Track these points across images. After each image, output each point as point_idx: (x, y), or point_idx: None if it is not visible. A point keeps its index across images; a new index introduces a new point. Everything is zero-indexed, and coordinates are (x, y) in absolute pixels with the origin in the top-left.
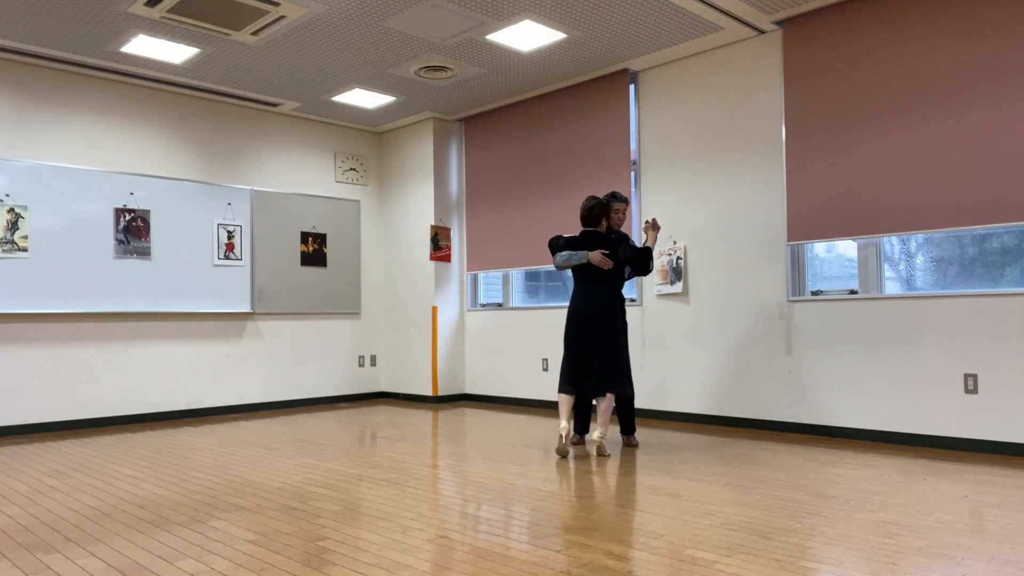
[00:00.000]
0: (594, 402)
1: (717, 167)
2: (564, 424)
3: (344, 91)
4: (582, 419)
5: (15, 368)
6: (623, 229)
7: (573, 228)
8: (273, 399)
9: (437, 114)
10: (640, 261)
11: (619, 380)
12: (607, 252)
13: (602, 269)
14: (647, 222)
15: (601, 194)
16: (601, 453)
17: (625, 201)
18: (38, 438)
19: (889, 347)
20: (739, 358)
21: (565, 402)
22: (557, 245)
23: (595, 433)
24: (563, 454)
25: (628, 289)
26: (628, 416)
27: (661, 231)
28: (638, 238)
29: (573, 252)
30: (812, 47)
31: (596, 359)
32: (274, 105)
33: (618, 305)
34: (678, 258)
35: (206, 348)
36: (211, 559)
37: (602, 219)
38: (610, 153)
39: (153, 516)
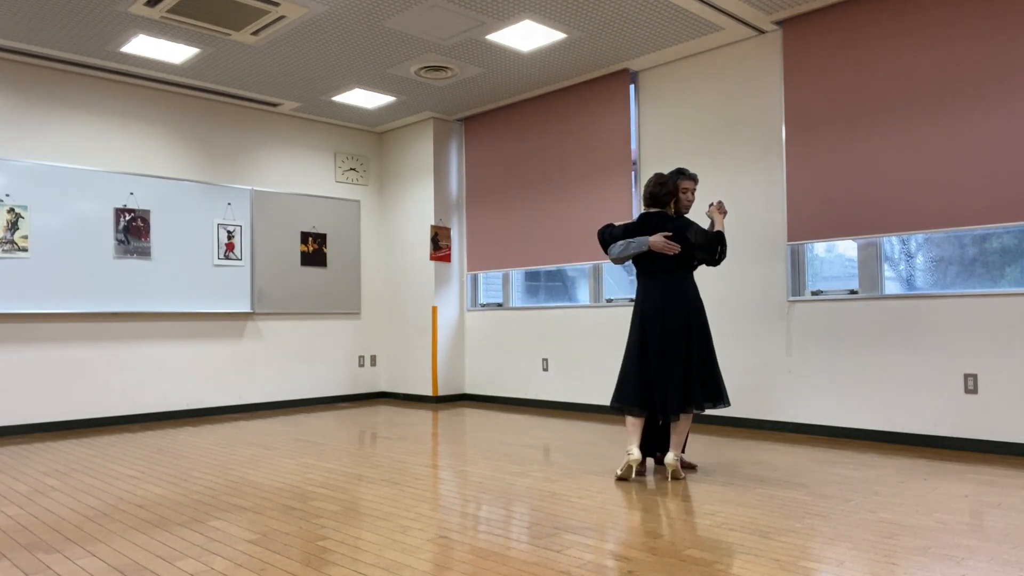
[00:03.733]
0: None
1: (717, 167)
2: (635, 453)
3: (344, 91)
4: (654, 437)
5: (15, 368)
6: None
7: (573, 228)
8: (273, 399)
9: (437, 114)
10: (711, 248)
11: (716, 390)
12: (670, 235)
13: (667, 256)
14: (712, 205)
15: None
16: (676, 477)
17: (694, 179)
18: (38, 438)
19: (889, 347)
20: (739, 358)
21: (634, 425)
22: (612, 235)
23: (669, 455)
24: (626, 478)
25: (621, 287)
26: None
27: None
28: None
29: (631, 240)
30: (812, 47)
31: (680, 367)
32: (274, 105)
33: (698, 297)
34: None
35: (206, 348)
36: (211, 559)
37: (673, 198)
38: (610, 153)
39: (153, 516)
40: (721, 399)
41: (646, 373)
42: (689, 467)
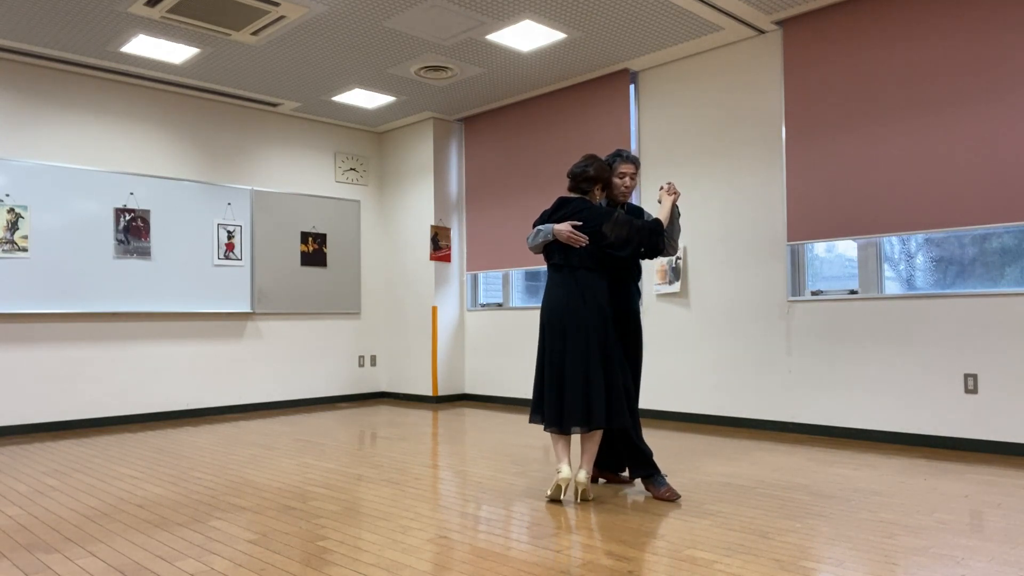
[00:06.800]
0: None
1: (717, 167)
2: (563, 470)
3: (344, 91)
4: (608, 452)
5: (15, 368)
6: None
7: None
8: (273, 399)
9: (437, 114)
10: (627, 244)
11: (604, 408)
12: (579, 224)
13: (581, 248)
14: (662, 188)
15: None
16: (585, 498)
17: (634, 162)
18: (38, 438)
19: (889, 347)
20: (739, 358)
21: (558, 439)
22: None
23: (580, 473)
24: (555, 498)
25: None
26: (633, 453)
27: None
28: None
29: (541, 227)
30: (812, 47)
31: (577, 376)
32: (274, 105)
33: (612, 298)
34: (677, 258)
35: (206, 348)
36: (211, 559)
37: (597, 184)
38: (610, 153)
39: (153, 516)
40: (595, 418)
41: (545, 377)
42: (623, 480)
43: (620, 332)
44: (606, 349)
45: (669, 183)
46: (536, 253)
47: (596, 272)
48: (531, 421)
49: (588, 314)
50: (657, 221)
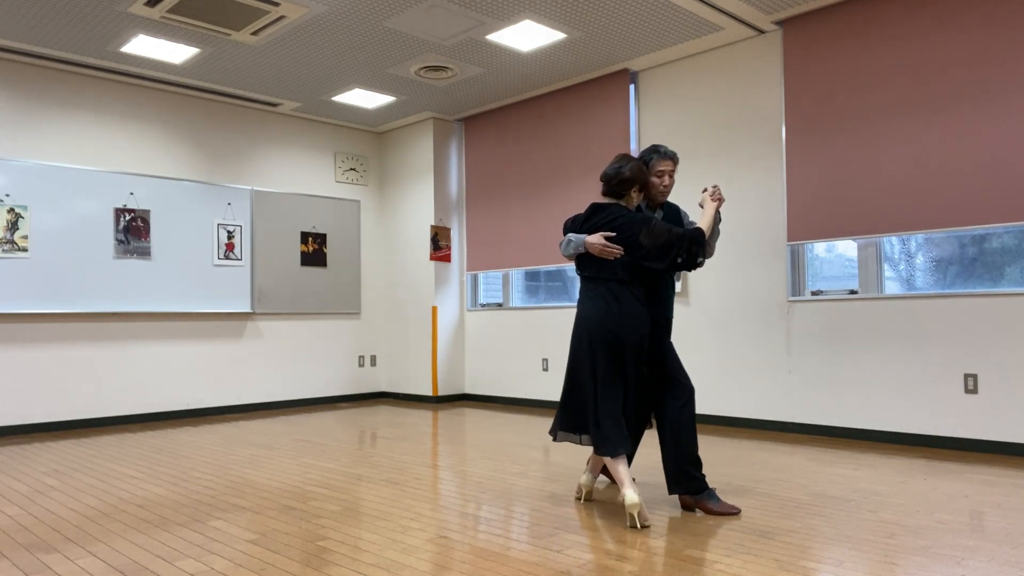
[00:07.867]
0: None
1: (717, 167)
2: (585, 478)
3: (344, 91)
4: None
5: (15, 368)
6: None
7: None
8: (273, 399)
9: (437, 114)
10: (664, 255)
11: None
12: (612, 235)
13: (615, 259)
14: (705, 190)
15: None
16: (588, 499)
17: (672, 157)
18: (38, 438)
19: (889, 347)
20: (739, 358)
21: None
22: (567, 228)
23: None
24: (585, 497)
25: None
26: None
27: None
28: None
29: (571, 236)
30: (812, 47)
31: (596, 394)
32: (274, 105)
33: (649, 308)
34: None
35: (206, 348)
36: (211, 559)
37: (634, 187)
38: (610, 153)
39: (153, 516)
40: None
41: (581, 390)
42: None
43: (658, 340)
44: (638, 368)
45: (715, 187)
46: (570, 260)
47: (630, 285)
48: (551, 434)
49: (620, 331)
50: (699, 230)
